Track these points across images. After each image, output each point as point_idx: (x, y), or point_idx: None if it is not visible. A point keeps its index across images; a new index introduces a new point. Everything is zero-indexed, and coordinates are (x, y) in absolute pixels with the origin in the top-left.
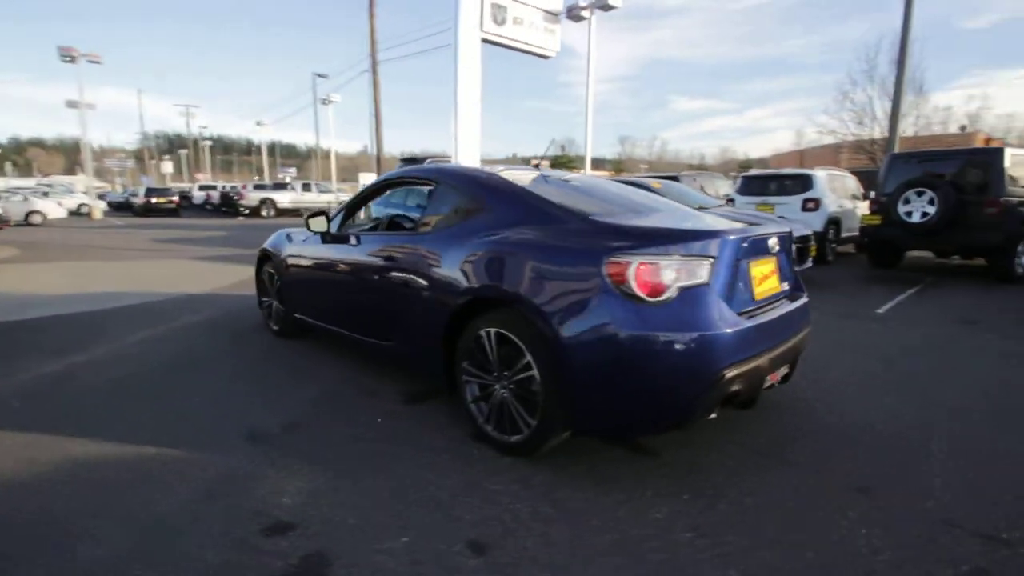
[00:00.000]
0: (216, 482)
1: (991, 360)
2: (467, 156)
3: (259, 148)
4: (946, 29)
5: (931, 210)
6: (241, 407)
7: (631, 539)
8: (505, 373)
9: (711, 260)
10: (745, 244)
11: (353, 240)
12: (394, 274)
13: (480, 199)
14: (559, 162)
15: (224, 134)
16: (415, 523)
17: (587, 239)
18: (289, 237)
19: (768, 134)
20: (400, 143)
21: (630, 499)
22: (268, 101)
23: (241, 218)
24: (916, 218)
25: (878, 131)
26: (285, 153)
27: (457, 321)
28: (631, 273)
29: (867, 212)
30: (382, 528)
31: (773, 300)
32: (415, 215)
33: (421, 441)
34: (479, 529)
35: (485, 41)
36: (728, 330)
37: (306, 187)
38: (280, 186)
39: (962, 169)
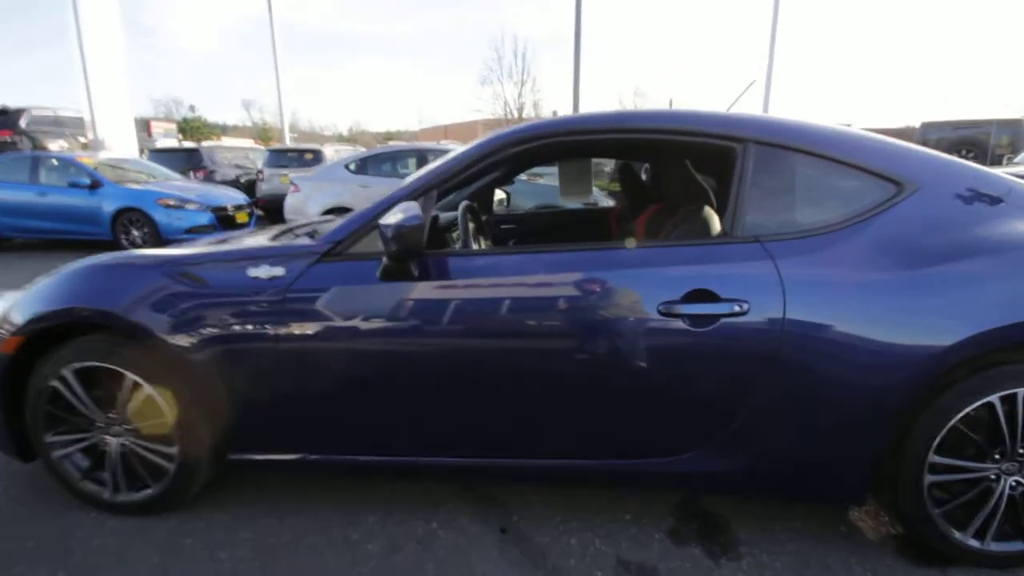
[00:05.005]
0: None
1: None
2: (109, 111)
3: None
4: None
5: None
6: None
7: None
8: None
9: None
10: None
11: (513, 266)
12: (715, 331)
13: (895, 176)
14: (190, 126)
15: None
16: None
17: None
18: (191, 274)
19: (391, 110)
20: None
21: None
22: None
23: None
24: None
25: (512, 112)
26: None
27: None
28: None
29: None
30: None
31: None
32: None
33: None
34: None
35: None
36: None
37: None
38: None
39: None
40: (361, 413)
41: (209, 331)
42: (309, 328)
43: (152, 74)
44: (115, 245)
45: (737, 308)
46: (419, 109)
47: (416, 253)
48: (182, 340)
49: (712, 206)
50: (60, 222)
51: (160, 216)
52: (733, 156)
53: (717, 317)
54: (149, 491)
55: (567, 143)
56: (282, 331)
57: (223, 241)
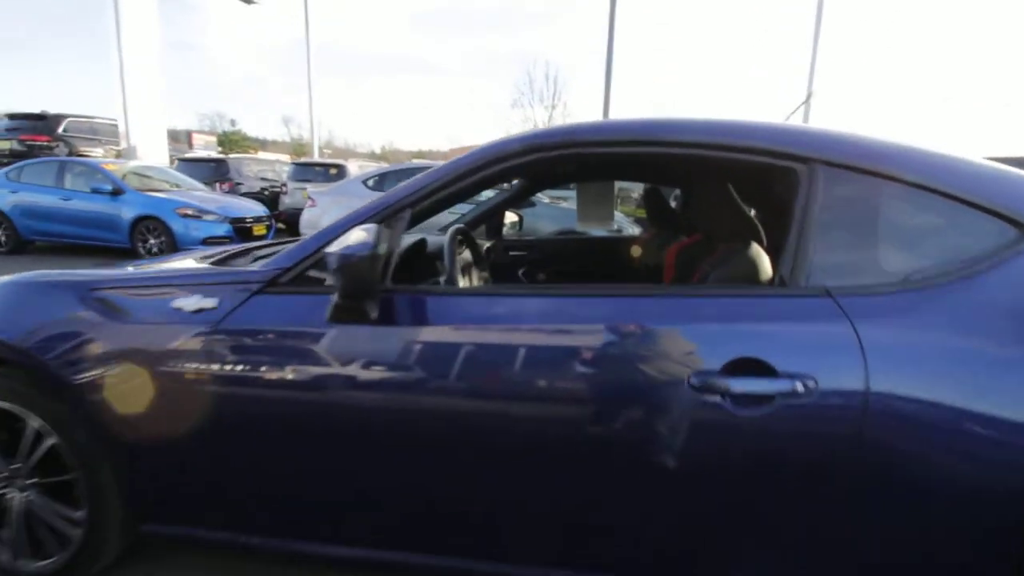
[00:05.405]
0: None
1: None
2: (143, 121)
3: None
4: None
5: None
6: None
7: None
8: None
9: None
10: None
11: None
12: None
13: (1017, 216)
14: (230, 139)
15: None
16: None
17: None
18: (109, 302)
19: (421, 132)
20: None
21: None
22: None
23: None
24: None
25: None
26: None
27: None
28: None
29: None
30: None
31: None
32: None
33: None
34: None
35: None
36: None
37: None
38: None
39: None
40: (300, 488)
41: (121, 374)
42: (238, 377)
43: (202, 90)
44: (132, 252)
45: (800, 386)
46: (448, 128)
47: (366, 291)
48: (90, 383)
49: (761, 244)
50: (80, 227)
51: (177, 225)
52: (794, 180)
53: (771, 397)
54: (53, 560)
55: (581, 156)
56: (205, 379)
57: (184, 258)
